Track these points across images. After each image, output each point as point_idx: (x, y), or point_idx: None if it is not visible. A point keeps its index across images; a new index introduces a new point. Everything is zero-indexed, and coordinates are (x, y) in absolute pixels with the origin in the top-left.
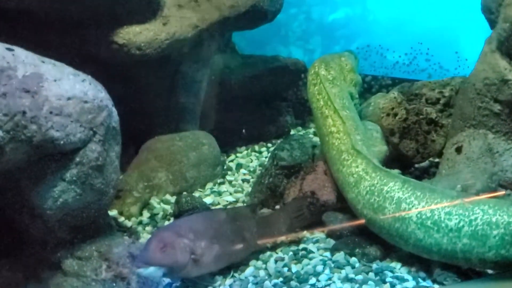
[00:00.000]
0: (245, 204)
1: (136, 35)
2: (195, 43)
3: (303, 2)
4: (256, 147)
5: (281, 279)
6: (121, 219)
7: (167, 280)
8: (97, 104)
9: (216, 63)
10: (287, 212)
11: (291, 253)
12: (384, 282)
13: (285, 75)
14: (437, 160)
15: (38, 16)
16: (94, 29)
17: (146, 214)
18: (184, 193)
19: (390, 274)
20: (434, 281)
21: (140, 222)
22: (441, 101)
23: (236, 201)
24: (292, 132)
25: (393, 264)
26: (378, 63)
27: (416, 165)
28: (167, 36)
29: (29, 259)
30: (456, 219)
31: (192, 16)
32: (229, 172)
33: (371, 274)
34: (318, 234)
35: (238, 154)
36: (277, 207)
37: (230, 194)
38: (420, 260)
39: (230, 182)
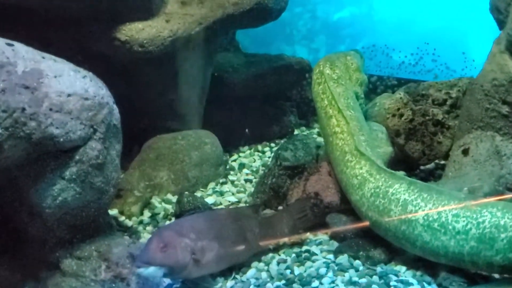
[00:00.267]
0: (247, 205)
1: (139, 31)
2: (199, 41)
3: (309, 1)
4: (259, 147)
5: (283, 281)
6: (122, 218)
7: (167, 281)
8: (98, 101)
9: (219, 61)
10: (290, 213)
11: (294, 255)
12: (389, 286)
13: (289, 74)
14: (443, 162)
15: (38, 13)
16: (96, 26)
17: (147, 214)
18: (186, 192)
19: (394, 277)
20: (439, 286)
21: (140, 222)
22: (448, 102)
23: (239, 202)
24: (295, 132)
25: (398, 268)
26: (384, 63)
27: (422, 167)
28: (170, 33)
29: (27, 258)
30: (464, 221)
31: (196, 13)
32: (231, 172)
33: (375, 278)
34: (322, 236)
35: (241, 154)
36: (280, 208)
37: (233, 194)
38: (425, 264)
39: (232, 182)
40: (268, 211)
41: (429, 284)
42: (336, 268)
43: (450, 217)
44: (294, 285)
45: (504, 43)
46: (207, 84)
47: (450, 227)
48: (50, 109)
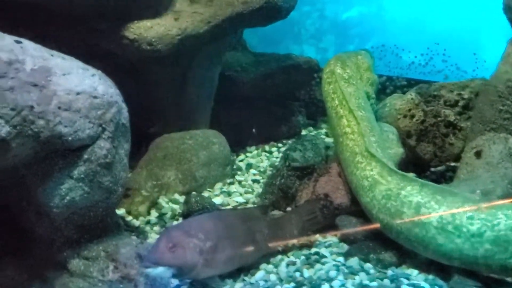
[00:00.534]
0: (255, 205)
1: (147, 30)
2: (207, 39)
3: (317, 0)
4: (267, 147)
5: (292, 284)
6: (129, 218)
7: (175, 282)
8: (107, 99)
9: (228, 60)
10: (300, 214)
11: (303, 257)
12: None
13: (298, 74)
14: (453, 164)
15: (46, 9)
16: (104, 24)
17: (154, 214)
18: (193, 193)
19: (405, 281)
20: None
21: (148, 222)
22: (460, 104)
23: (246, 202)
24: (303, 132)
25: (409, 271)
26: (393, 63)
27: (432, 169)
28: (179, 32)
29: (34, 258)
30: (478, 223)
31: (205, 12)
32: (238, 172)
33: (386, 281)
34: (331, 238)
35: (248, 154)
36: (288, 209)
37: (240, 194)
38: (437, 267)
39: (239, 182)
40: (276, 212)
41: (441, 287)
42: (346, 271)
43: (464, 220)
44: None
45: None
46: (215, 83)
47: (465, 229)
48: (59, 108)
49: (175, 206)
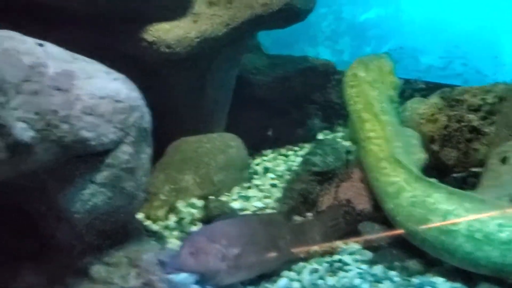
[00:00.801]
0: (275, 211)
1: (166, 32)
2: (226, 42)
3: (334, 1)
4: (283, 151)
5: None
6: (147, 222)
7: None
8: (130, 104)
9: (243, 62)
10: (323, 220)
11: (326, 264)
12: None
13: (314, 76)
14: (474, 169)
15: (66, 12)
16: (123, 26)
17: (172, 218)
18: (212, 197)
19: None
20: None
21: (166, 227)
22: (484, 108)
23: (265, 207)
24: (319, 135)
25: (435, 279)
26: (411, 66)
27: (454, 175)
28: (198, 34)
29: (54, 264)
30: (508, 231)
31: (224, 14)
32: (255, 176)
33: None
34: (353, 245)
35: (264, 158)
36: (308, 214)
37: (259, 199)
38: (463, 275)
39: (257, 186)
40: (297, 218)
41: None
42: (371, 279)
43: (494, 227)
44: None
45: None
46: (232, 86)
47: (494, 237)
48: (82, 112)
49: (193, 211)
